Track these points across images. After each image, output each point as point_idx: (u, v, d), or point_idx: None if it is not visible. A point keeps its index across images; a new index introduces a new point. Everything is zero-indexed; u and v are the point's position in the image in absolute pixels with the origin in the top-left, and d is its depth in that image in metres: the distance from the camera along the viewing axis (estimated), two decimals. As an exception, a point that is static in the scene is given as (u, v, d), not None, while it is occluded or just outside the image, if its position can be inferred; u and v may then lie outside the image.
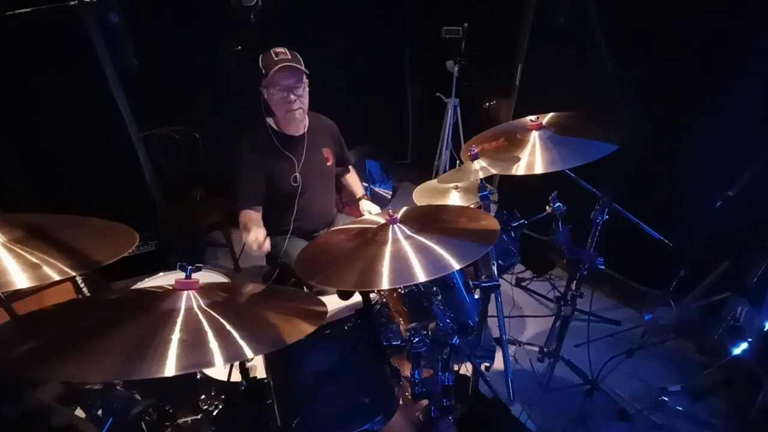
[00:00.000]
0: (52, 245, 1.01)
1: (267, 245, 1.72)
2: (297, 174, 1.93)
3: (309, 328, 0.92)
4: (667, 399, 1.87)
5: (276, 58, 1.77)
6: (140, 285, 1.75)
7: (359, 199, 2.20)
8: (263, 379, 1.18)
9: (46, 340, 0.80)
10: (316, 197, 2.03)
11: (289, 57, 1.79)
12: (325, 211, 2.12)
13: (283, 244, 1.97)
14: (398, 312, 1.42)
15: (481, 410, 1.78)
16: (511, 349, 2.17)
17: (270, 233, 1.92)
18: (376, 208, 2.07)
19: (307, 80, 1.84)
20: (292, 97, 1.80)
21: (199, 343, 0.79)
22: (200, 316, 0.87)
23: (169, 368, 0.72)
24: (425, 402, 1.33)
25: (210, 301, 0.92)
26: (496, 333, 1.95)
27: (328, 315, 1.03)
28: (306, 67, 1.82)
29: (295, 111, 1.84)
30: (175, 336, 0.79)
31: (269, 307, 1.01)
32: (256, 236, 1.70)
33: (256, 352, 0.81)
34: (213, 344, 0.79)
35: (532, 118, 1.63)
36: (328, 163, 2.06)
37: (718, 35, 1.94)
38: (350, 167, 2.30)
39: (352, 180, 2.30)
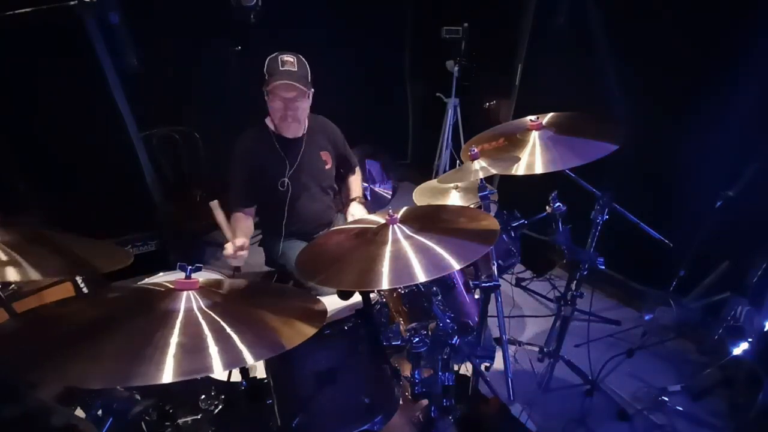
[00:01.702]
0: (52, 248, 1.01)
1: (244, 254, 1.69)
2: (286, 179, 1.91)
3: (310, 330, 0.91)
4: (667, 399, 1.87)
5: (281, 68, 1.74)
6: (140, 285, 1.75)
7: (351, 200, 2.15)
8: (263, 379, 1.18)
9: (45, 342, 0.79)
10: (309, 201, 2.00)
11: (296, 69, 1.76)
12: (319, 214, 2.07)
13: (280, 246, 1.97)
14: (398, 312, 1.42)
15: (481, 410, 1.78)
16: (511, 349, 2.17)
17: (267, 235, 1.90)
18: (361, 212, 2.03)
19: (310, 91, 1.83)
20: (290, 111, 1.80)
21: (198, 348, 0.78)
22: (200, 317, 0.86)
23: (167, 375, 0.70)
24: (425, 402, 1.33)
25: (210, 302, 0.92)
26: (496, 333, 1.96)
27: (328, 315, 1.03)
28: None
29: (290, 122, 1.84)
30: (174, 339, 0.78)
31: (268, 307, 1.01)
32: (234, 242, 1.67)
33: (256, 358, 0.79)
34: (213, 349, 0.78)
35: (532, 118, 1.63)
36: (326, 167, 2.03)
37: (719, 35, 1.94)
38: (357, 169, 2.25)
39: (353, 182, 2.25)
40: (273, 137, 1.90)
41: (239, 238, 1.71)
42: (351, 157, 2.20)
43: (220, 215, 1.70)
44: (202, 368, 0.75)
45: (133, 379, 0.70)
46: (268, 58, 1.78)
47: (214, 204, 1.68)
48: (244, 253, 1.69)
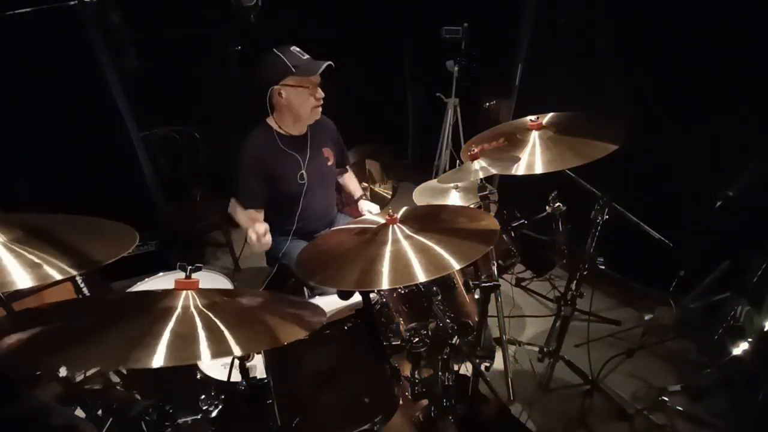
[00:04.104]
0: (52, 245, 1.01)
1: (268, 238, 1.71)
2: (303, 172, 1.94)
3: (300, 333, 0.91)
4: (667, 399, 1.87)
5: (304, 57, 1.78)
6: (140, 285, 1.75)
7: (358, 199, 2.20)
8: (263, 379, 1.18)
9: (42, 333, 0.81)
10: (318, 197, 2.03)
11: (310, 57, 1.80)
12: (326, 211, 2.12)
13: (285, 244, 1.97)
14: (398, 312, 1.42)
15: (481, 410, 1.78)
16: (511, 349, 2.17)
17: (273, 233, 1.90)
18: (375, 208, 2.08)
19: None
20: (320, 92, 1.84)
21: (190, 338, 0.80)
22: (195, 314, 0.87)
23: (158, 359, 0.73)
24: (425, 402, 1.33)
25: (208, 302, 0.92)
26: (496, 333, 1.96)
27: (328, 315, 1.03)
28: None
29: (318, 108, 1.87)
30: (168, 330, 0.81)
31: (266, 310, 1.01)
32: (256, 229, 1.69)
33: (243, 350, 0.82)
34: (203, 339, 0.81)
35: (532, 118, 1.63)
36: (329, 163, 2.06)
37: (719, 34, 1.94)
38: (348, 168, 2.30)
39: (351, 181, 2.31)
40: (279, 138, 1.90)
41: (260, 224, 1.73)
42: (347, 155, 2.24)
43: (237, 209, 1.86)
44: (191, 356, 0.79)
45: (128, 362, 0.75)
46: (284, 54, 1.76)
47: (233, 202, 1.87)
48: (268, 237, 1.71)
